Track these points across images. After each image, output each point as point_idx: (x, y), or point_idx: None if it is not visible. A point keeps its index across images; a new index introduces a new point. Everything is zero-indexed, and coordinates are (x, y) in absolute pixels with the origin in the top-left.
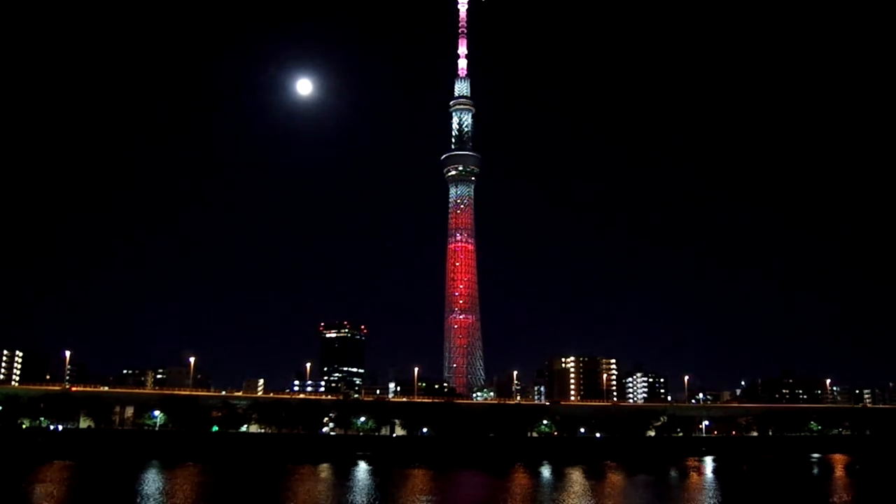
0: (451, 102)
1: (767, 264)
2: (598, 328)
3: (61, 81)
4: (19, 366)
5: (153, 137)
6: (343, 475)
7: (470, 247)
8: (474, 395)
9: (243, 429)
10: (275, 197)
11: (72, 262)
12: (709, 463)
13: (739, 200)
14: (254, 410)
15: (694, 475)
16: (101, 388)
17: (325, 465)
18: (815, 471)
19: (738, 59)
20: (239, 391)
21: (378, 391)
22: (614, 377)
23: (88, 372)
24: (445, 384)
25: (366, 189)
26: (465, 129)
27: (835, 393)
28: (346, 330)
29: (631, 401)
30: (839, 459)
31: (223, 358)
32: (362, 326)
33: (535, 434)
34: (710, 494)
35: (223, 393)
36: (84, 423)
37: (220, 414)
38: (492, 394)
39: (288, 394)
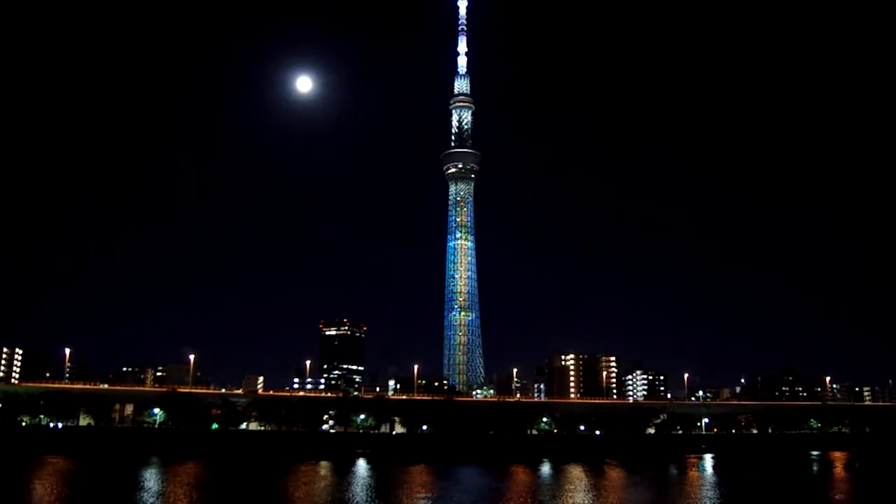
0: (451, 100)
1: (767, 262)
2: (597, 326)
3: (61, 80)
4: (19, 364)
5: (153, 135)
6: (343, 472)
7: (469, 244)
8: (474, 392)
9: (243, 426)
10: (274, 194)
11: (72, 260)
12: (708, 460)
13: (740, 198)
14: (253, 408)
15: (693, 472)
16: (101, 386)
17: (324, 463)
18: (815, 468)
19: (738, 54)
20: (239, 389)
21: (378, 389)
22: (614, 375)
23: (88, 369)
24: (445, 382)
25: (365, 186)
26: (465, 127)
27: (835, 391)
28: (346, 328)
29: (630, 398)
30: (839, 457)
31: (223, 355)
32: (362, 324)
33: (534, 432)
34: (710, 492)
35: (223, 390)
36: (84, 421)
37: (219, 411)
38: (491, 391)
39: (288, 391)
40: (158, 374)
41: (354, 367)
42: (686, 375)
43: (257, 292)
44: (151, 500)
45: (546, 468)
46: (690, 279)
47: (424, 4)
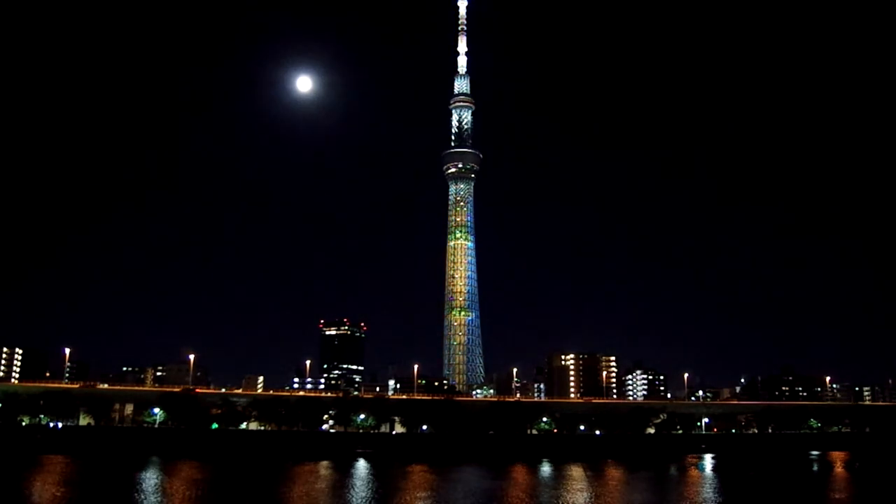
0: (451, 100)
1: (767, 262)
2: (597, 325)
3: (62, 81)
4: (19, 363)
5: (152, 135)
6: (343, 472)
7: (469, 244)
8: (474, 392)
9: (243, 426)
10: (274, 194)
11: (72, 260)
12: (708, 460)
13: (739, 199)
14: (253, 408)
15: (693, 472)
16: (101, 386)
17: (324, 463)
18: (815, 468)
19: (739, 59)
20: (238, 388)
21: (378, 388)
22: (614, 374)
23: (88, 369)
24: (445, 381)
25: (365, 186)
26: (465, 127)
27: (834, 390)
28: (346, 327)
29: (630, 398)
30: (838, 457)
31: (223, 355)
32: (362, 324)
33: (534, 431)
34: (710, 492)
35: (223, 390)
36: (84, 421)
37: (219, 411)
38: (491, 391)
39: (287, 391)
40: (158, 373)
41: (354, 367)
42: (686, 375)
43: (257, 292)
44: (151, 499)
45: (546, 468)
46: (690, 278)
47: (425, 4)
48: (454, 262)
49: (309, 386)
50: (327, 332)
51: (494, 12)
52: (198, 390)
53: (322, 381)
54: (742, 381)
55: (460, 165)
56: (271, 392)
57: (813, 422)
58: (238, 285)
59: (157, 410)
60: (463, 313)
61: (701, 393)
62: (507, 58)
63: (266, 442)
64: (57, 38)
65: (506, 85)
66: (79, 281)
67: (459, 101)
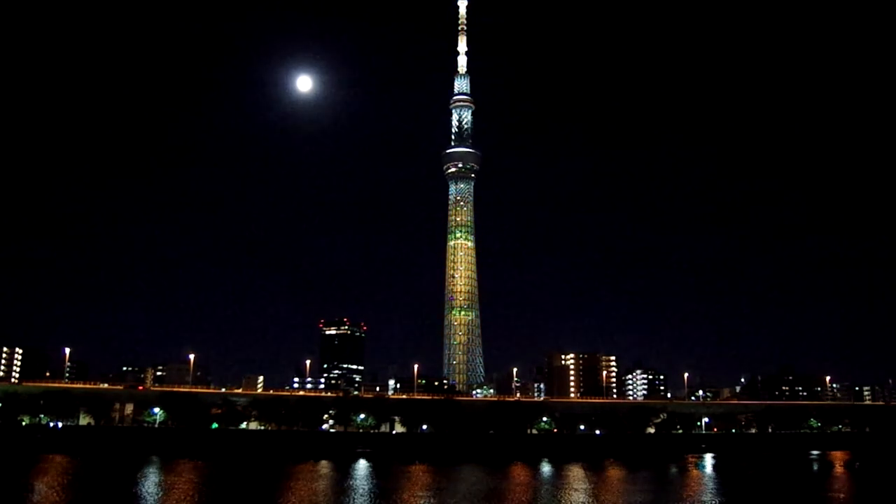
0: (451, 100)
1: (767, 262)
2: (597, 325)
3: (64, 83)
4: (19, 363)
5: (153, 134)
6: (343, 472)
7: (469, 244)
8: (474, 392)
9: (243, 426)
10: (274, 193)
11: (71, 260)
12: (708, 460)
13: (739, 199)
14: (253, 407)
15: (693, 472)
16: (101, 386)
17: (325, 462)
18: (815, 468)
19: (739, 59)
20: (238, 388)
21: (378, 388)
22: (614, 374)
23: (88, 369)
24: (445, 381)
25: (365, 185)
26: (465, 126)
27: (834, 390)
28: (346, 327)
29: (630, 398)
30: (839, 457)
31: (223, 355)
32: (362, 324)
33: (534, 431)
34: (710, 491)
35: (223, 390)
36: (84, 421)
37: (219, 411)
38: (491, 391)
39: (287, 391)
40: (158, 373)
41: (354, 367)
42: (686, 375)
43: (257, 292)
44: (151, 499)
45: (546, 468)
46: (691, 279)
47: (425, 4)
48: (454, 262)
49: (309, 386)
50: (327, 332)
51: (494, 12)
52: (189, 389)
53: (322, 380)
54: (742, 381)
55: (460, 165)
56: (271, 392)
57: (813, 422)
58: (238, 285)
59: (157, 410)
60: (463, 313)
61: (701, 393)
62: (507, 58)
63: (266, 442)
64: (58, 38)
65: (506, 85)
66: (79, 281)
67: (459, 101)
